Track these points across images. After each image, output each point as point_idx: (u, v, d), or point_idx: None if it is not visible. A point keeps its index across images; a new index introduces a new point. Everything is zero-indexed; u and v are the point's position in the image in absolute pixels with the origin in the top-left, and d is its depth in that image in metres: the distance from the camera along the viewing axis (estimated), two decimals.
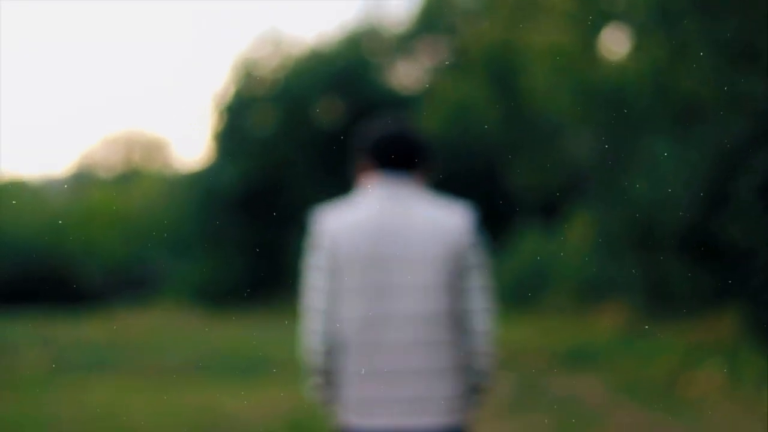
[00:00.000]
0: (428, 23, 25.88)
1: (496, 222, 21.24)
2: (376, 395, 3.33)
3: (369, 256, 3.33)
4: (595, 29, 15.12)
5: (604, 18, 14.62)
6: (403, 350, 3.31)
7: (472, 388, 3.44)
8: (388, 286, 3.33)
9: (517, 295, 18.20)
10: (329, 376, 3.43)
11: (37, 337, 15.98)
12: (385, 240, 3.35)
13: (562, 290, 17.60)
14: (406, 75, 26.23)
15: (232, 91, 24.99)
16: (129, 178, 34.80)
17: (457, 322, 3.36)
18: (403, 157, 3.50)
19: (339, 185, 23.01)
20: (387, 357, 3.32)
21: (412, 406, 3.31)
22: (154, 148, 36.46)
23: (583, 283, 17.07)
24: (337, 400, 3.45)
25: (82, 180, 34.69)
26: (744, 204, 10.82)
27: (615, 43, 15.64)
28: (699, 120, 12.05)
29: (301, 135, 24.31)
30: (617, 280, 15.59)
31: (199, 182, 25.23)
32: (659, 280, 13.88)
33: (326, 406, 3.56)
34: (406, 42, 26.05)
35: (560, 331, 15.14)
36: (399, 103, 23.72)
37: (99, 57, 41.43)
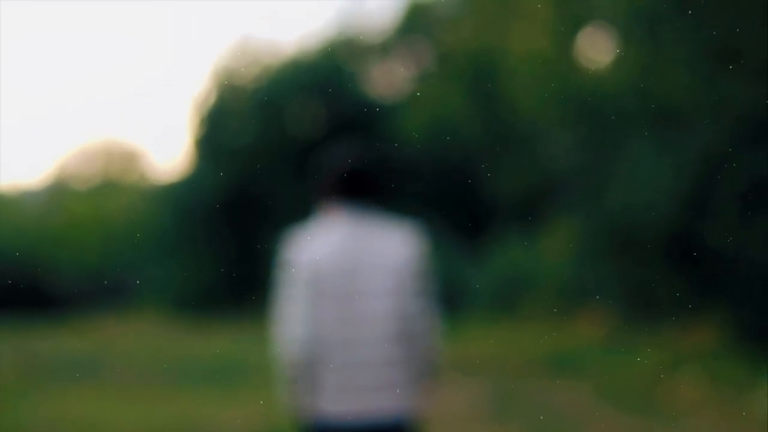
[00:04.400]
0: (408, 30, 25.82)
1: (475, 228, 21.18)
2: (347, 384, 3.91)
3: (338, 273, 3.95)
4: (575, 34, 15.09)
5: (584, 23, 14.60)
6: (365, 346, 3.92)
7: (421, 376, 4.05)
8: (354, 293, 3.94)
9: (495, 301, 18.14)
10: (308, 369, 3.95)
11: (15, 347, 15.83)
12: (350, 260, 3.97)
13: (542, 296, 17.54)
14: (386, 83, 26.16)
15: (212, 99, 24.92)
16: (106, 188, 34.58)
17: (405, 322, 3.97)
18: (363, 190, 4.06)
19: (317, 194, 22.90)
20: (355, 351, 3.92)
21: (373, 393, 3.93)
22: (131, 158, 36.20)
23: (562, 290, 17.02)
24: (312, 392, 3.96)
25: (59, 191, 34.43)
26: (725, 209, 10.79)
27: (596, 48, 15.62)
28: (680, 124, 12.01)
29: (280, 143, 24.24)
30: (597, 286, 15.53)
31: (178, 190, 25.13)
32: (640, 285, 13.82)
33: (298, 403, 4.05)
34: (385, 50, 25.99)
35: (539, 337, 15.07)
36: (378, 110, 23.66)
37: (73, 66, 41.27)
